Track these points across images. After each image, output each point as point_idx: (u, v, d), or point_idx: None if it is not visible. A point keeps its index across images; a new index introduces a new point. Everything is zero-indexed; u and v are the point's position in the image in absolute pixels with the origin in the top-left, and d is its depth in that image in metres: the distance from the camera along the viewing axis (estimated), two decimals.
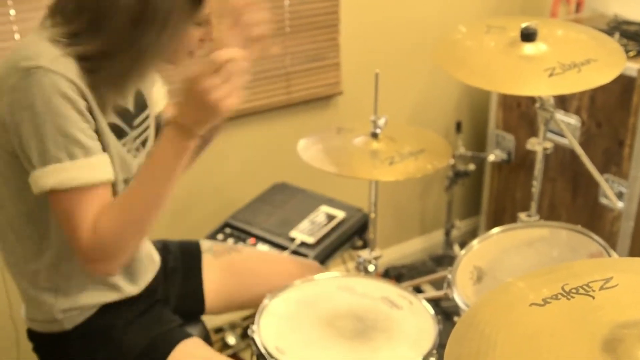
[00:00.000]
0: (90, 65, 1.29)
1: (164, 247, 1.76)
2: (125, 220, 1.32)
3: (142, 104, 1.52)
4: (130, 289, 1.55)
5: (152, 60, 1.35)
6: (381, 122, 1.86)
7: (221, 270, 1.78)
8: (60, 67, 1.25)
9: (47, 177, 1.26)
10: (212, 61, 1.26)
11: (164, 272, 1.71)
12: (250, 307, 1.79)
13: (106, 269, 1.37)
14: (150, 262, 1.64)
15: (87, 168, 1.28)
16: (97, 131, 1.33)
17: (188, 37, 1.37)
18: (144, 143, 1.51)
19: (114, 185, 1.38)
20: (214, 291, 1.77)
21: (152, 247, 1.69)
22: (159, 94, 1.67)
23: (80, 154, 1.27)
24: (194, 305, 1.76)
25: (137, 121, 1.49)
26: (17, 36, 2.05)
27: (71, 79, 1.26)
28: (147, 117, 1.53)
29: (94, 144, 1.30)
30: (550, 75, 1.66)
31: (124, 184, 1.44)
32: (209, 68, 1.26)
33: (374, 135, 1.87)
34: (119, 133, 1.41)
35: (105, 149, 1.35)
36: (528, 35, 1.75)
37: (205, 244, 1.83)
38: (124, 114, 1.44)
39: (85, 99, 1.29)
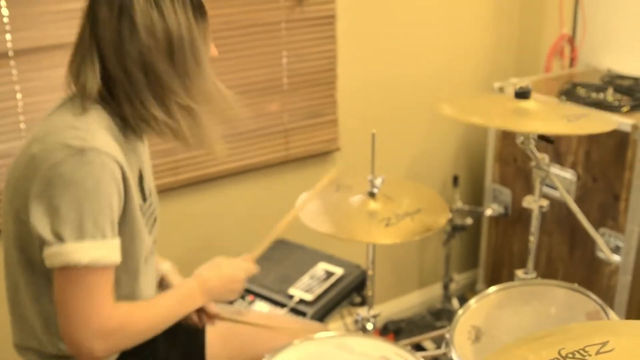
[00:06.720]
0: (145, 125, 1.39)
1: None
2: (148, 318, 1.44)
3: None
4: None
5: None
6: (378, 182, 1.87)
7: (225, 334, 1.77)
8: (111, 149, 1.31)
9: (83, 253, 1.29)
10: None
11: (166, 332, 1.71)
12: None
13: (104, 350, 1.36)
14: None
15: (113, 248, 1.33)
16: (130, 210, 1.38)
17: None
18: (154, 221, 1.55)
19: (137, 262, 1.46)
20: (216, 354, 1.75)
21: None
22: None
23: (109, 235, 1.32)
24: None
25: (148, 201, 1.52)
26: (19, 96, 2.08)
27: (119, 161, 1.32)
28: (151, 194, 1.55)
29: (116, 227, 1.35)
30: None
31: (144, 262, 1.49)
32: None
33: (371, 195, 1.88)
34: (142, 211, 1.46)
35: (136, 226, 1.41)
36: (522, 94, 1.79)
37: None
38: (143, 193, 1.48)
39: (125, 179, 1.34)
